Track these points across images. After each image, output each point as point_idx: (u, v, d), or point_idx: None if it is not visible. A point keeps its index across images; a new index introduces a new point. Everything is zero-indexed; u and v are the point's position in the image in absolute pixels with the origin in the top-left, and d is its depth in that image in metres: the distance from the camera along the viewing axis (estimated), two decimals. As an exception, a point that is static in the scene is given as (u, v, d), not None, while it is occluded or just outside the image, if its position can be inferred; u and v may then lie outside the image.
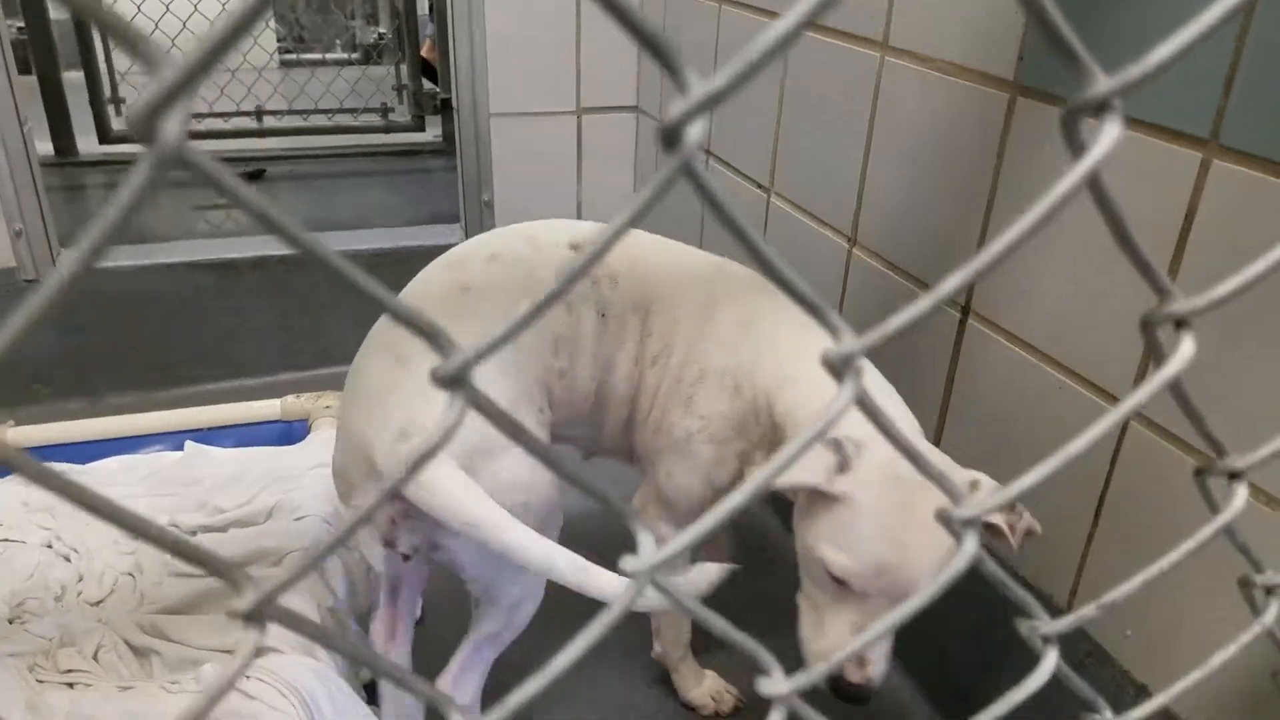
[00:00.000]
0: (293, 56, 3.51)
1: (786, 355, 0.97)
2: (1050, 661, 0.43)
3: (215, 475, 1.29)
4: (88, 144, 2.66)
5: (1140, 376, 0.89)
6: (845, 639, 0.85)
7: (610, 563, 0.71)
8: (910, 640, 1.27)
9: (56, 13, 2.64)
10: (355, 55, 3.64)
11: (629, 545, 0.31)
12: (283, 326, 1.85)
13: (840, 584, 0.85)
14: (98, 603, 1.15)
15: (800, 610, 0.92)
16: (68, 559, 1.20)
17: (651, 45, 0.22)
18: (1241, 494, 0.45)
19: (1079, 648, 0.97)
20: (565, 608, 0.83)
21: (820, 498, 0.85)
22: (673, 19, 1.78)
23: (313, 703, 0.98)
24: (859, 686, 0.86)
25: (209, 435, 1.38)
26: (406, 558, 0.98)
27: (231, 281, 1.83)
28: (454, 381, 0.24)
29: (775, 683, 0.31)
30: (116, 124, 2.69)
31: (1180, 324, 0.34)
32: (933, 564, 0.82)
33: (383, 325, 0.98)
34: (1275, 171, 0.75)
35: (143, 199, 0.22)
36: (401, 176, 2.78)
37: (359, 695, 1.08)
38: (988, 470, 0.87)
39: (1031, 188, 0.99)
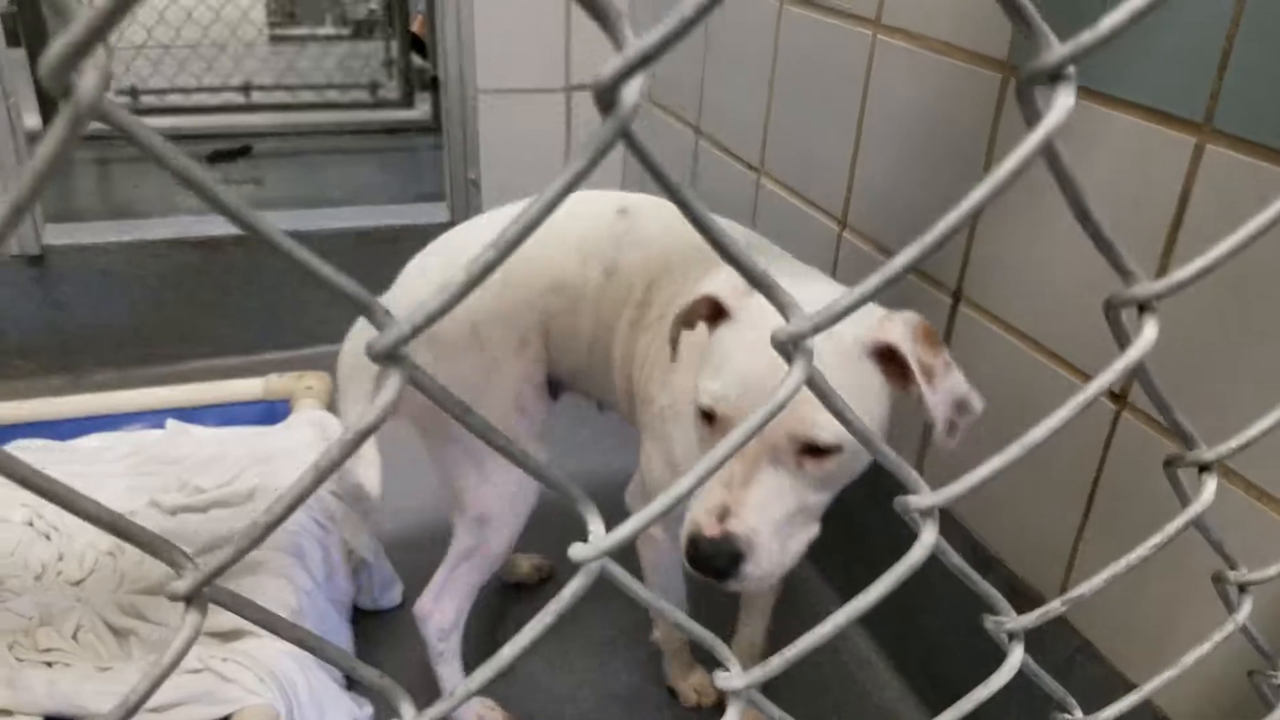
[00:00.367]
0: (283, 31, 3.47)
1: None
2: (1015, 657, 0.43)
3: (196, 455, 1.28)
4: (75, 118, 2.63)
5: (1127, 362, 0.88)
6: (713, 492, 0.74)
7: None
8: (899, 639, 1.27)
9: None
10: (346, 30, 3.60)
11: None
12: (266, 305, 1.83)
13: (709, 423, 0.77)
14: (78, 582, 1.14)
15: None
16: (48, 537, 1.19)
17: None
18: (1210, 486, 0.44)
19: (1068, 644, 0.97)
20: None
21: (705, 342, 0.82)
22: (664, -4, 1.76)
23: (290, 687, 0.98)
24: (714, 542, 0.72)
25: (191, 414, 1.37)
26: None
27: (215, 259, 1.81)
28: (390, 357, 0.23)
29: (732, 677, 0.30)
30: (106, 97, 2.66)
31: (1144, 308, 0.33)
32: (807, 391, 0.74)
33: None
34: (1268, 156, 0.74)
35: (61, 158, 0.21)
36: (390, 154, 2.76)
37: (337, 681, 1.08)
38: (978, 459, 0.86)
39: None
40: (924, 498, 0.34)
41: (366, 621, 1.29)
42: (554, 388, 1.12)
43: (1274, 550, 0.75)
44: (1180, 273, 0.34)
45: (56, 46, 0.18)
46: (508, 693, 1.20)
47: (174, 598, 0.27)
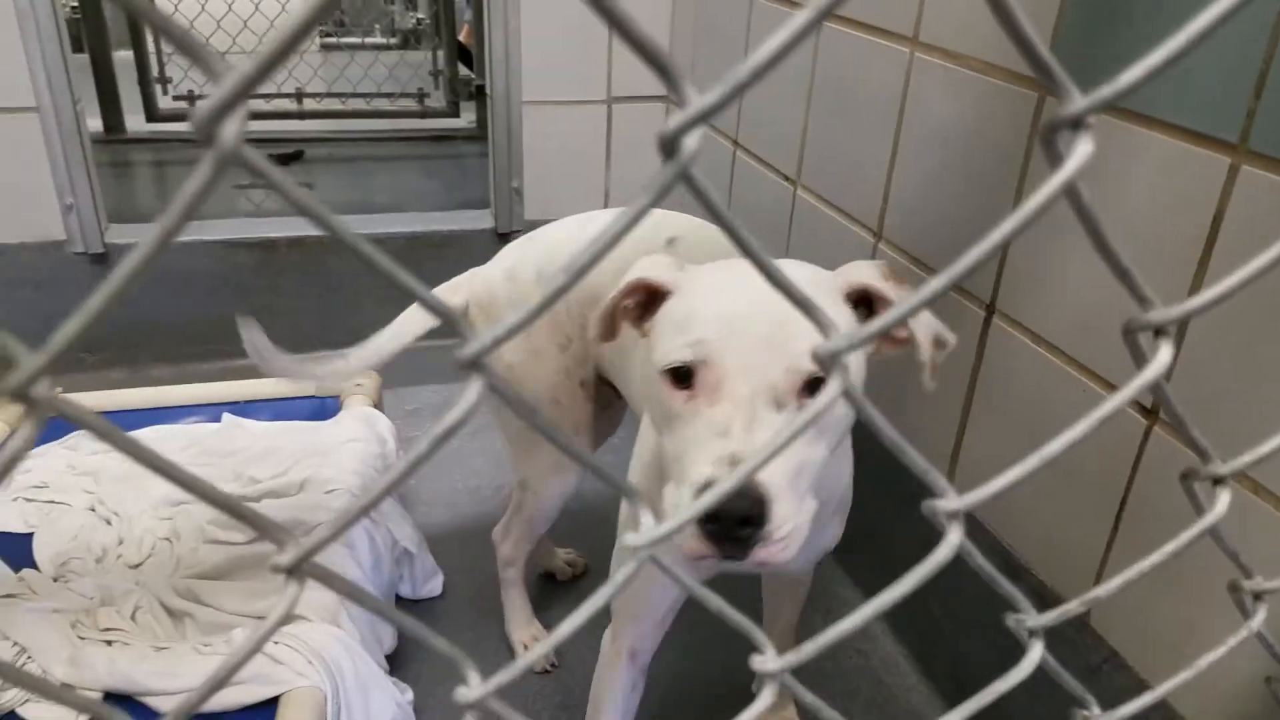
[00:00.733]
0: (333, 40, 3.56)
1: None
2: (1035, 653, 0.45)
3: (251, 447, 1.33)
4: (135, 122, 2.72)
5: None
6: (710, 445, 0.65)
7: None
8: (926, 643, 1.29)
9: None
10: (393, 40, 3.68)
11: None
12: (317, 306, 1.90)
13: (685, 389, 0.70)
14: (136, 565, 1.19)
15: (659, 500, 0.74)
16: (109, 522, 1.25)
17: (655, 61, 0.24)
18: (1224, 499, 0.46)
19: (1096, 653, 0.98)
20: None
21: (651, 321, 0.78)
22: (706, 10, 1.79)
23: (337, 670, 1.02)
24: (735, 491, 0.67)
25: (245, 408, 1.43)
26: None
27: (270, 260, 1.88)
28: (472, 365, 0.27)
29: (767, 660, 0.33)
30: (163, 103, 2.75)
31: (1159, 332, 0.35)
32: (779, 316, 0.66)
33: None
34: (1301, 177, 0.75)
35: (206, 194, 0.24)
36: (435, 161, 2.82)
37: (381, 665, 1.12)
38: (1020, 499, 0.88)
39: (1054, 188, 1.00)
40: (950, 501, 0.37)
41: (408, 610, 1.33)
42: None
43: (1295, 562, 0.77)
44: (1193, 301, 0.36)
45: (207, 104, 0.21)
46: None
47: (277, 570, 0.30)
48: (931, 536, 0.36)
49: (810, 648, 0.36)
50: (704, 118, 0.24)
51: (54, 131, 1.68)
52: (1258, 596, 0.58)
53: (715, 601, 0.36)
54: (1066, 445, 0.40)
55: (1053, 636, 0.44)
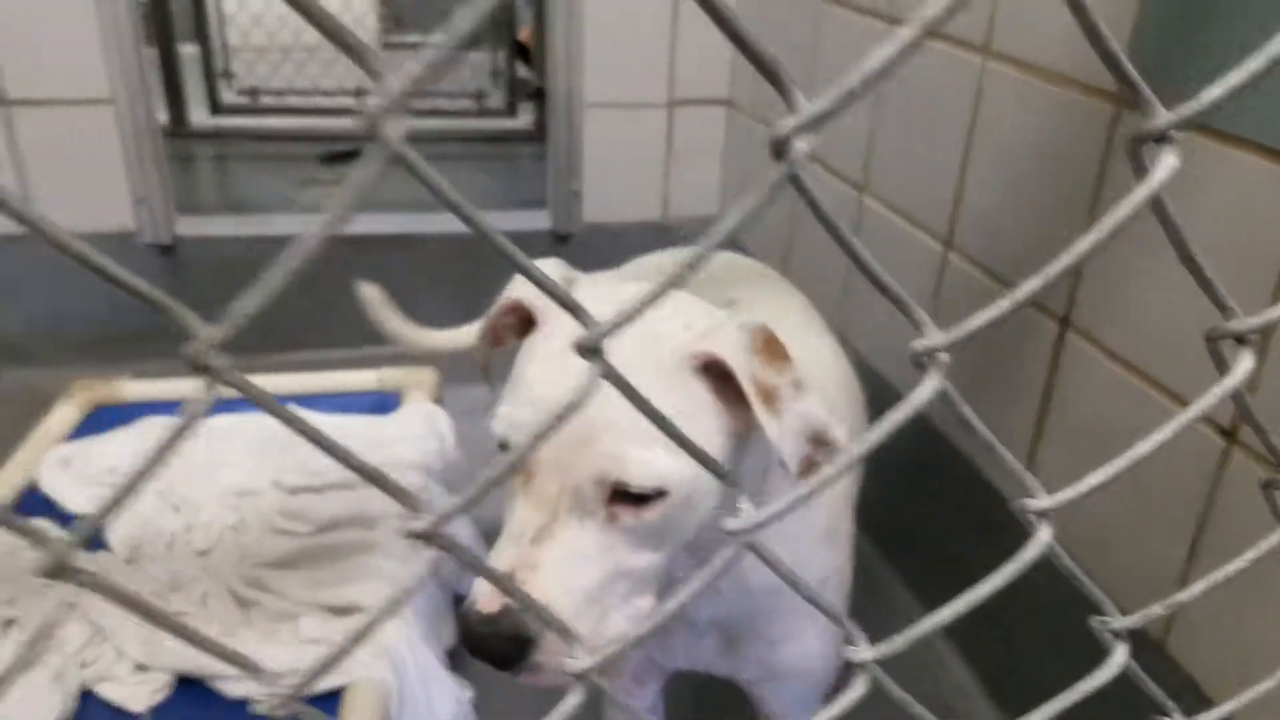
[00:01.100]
0: (393, 39, 3.60)
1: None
2: (1120, 657, 0.45)
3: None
4: (199, 115, 2.78)
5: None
6: (503, 552, 0.58)
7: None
8: (997, 667, 1.27)
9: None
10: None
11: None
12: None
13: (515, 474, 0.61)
14: (203, 553, 1.22)
15: None
16: (177, 509, 1.28)
17: (765, 68, 0.24)
18: (1306, 508, 0.46)
19: (1173, 680, 0.97)
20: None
21: None
22: (774, 16, 1.79)
23: (400, 664, 1.04)
24: (488, 621, 0.55)
25: (309, 401, 1.45)
26: None
27: (333, 256, 1.89)
28: (592, 351, 0.27)
29: (861, 650, 0.33)
30: (227, 96, 2.80)
31: (1241, 340, 0.36)
32: (613, 417, 0.56)
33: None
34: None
35: (369, 187, 0.25)
36: (492, 161, 2.85)
37: (442, 662, 1.14)
38: (1099, 522, 0.87)
39: (1134, 202, 0.98)
40: (1041, 500, 0.37)
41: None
42: None
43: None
44: (1273, 311, 0.36)
45: (374, 103, 0.22)
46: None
47: (412, 535, 0.31)
48: (999, 556, 0.36)
49: (901, 641, 0.36)
50: (816, 123, 0.24)
51: (127, 124, 1.73)
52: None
53: (806, 589, 0.36)
54: (1153, 447, 0.40)
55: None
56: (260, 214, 2.02)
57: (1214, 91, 0.28)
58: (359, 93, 2.87)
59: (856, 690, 0.35)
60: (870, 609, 0.94)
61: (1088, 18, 0.26)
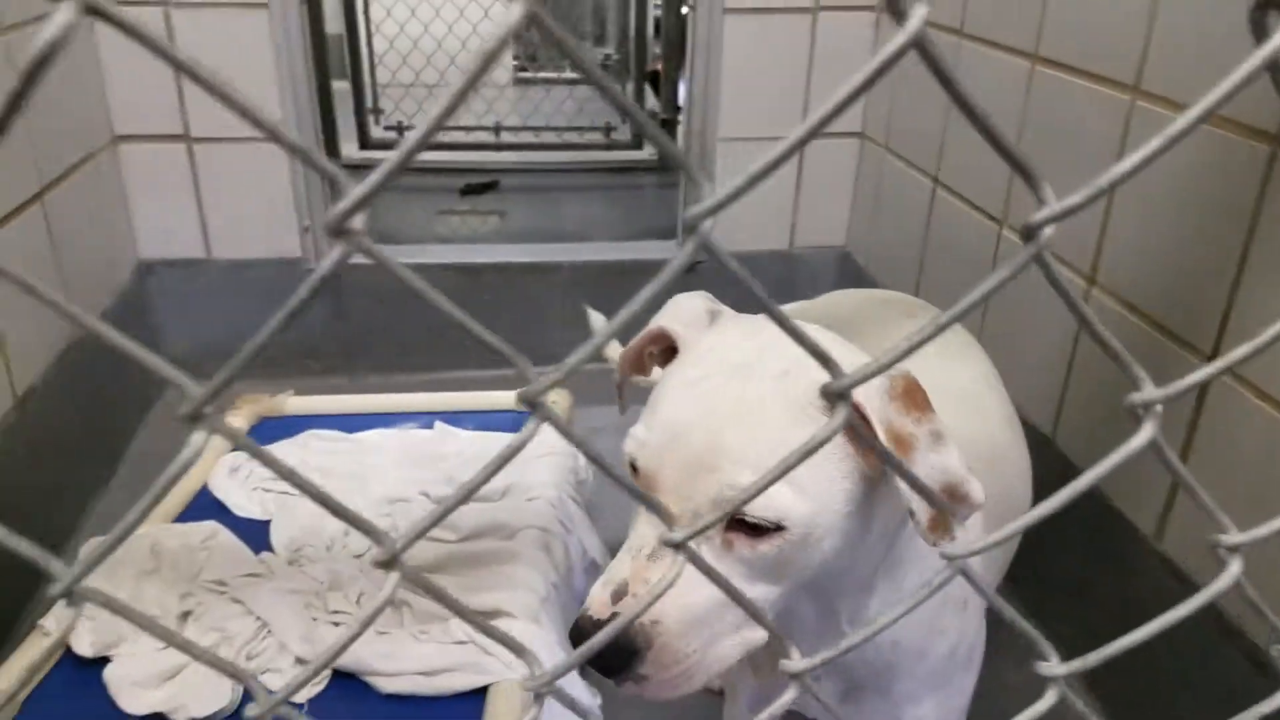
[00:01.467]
0: (527, 75, 3.75)
1: None
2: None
3: (461, 453, 1.44)
4: (349, 149, 2.96)
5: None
6: (620, 563, 0.61)
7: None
8: (1129, 706, 1.24)
9: (331, 26, 2.96)
10: (582, 75, 3.83)
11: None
12: (515, 327, 2.01)
13: (636, 477, 0.64)
14: (359, 555, 1.30)
15: None
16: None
17: (1020, 168, 0.28)
18: None
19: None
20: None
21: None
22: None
23: (539, 668, 1.09)
24: (598, 626, 0.57)
25: (454, 417, 1.54)
26: None
27: (475, 283, 2.01)
28: (839, 397, 0.31)
29: (1054, 666, 0.36)
30: (375, 132, 2.98)
31: None
32: (717, 426, 0.59)
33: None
34: None
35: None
36: (618, 191, 2.93)
37: (574, 669, 1.19)
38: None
39: (1290, 240, 0.97)
40: (1232, 536, 0.39)
41: (594, 622, 1.39)
42: None
43: None
44: None
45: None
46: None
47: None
48: (1122, 584, 0.38)
49: (1095, 657, 0.38)
50: (1065, 215, 0.28)
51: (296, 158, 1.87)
52: None
53: (1008, 611, 0.39)
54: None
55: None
56: (406, 244, 2.14)
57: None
58: (496, 129, 3.01)
59: (1046, 701, 0.37)
60: (990, 636, 0.94)
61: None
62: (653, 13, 3.27)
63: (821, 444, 0.29)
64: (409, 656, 1.09)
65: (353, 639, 0.30)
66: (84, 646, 1.08)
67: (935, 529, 0.56)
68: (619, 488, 0.33)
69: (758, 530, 0.58)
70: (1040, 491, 1.33)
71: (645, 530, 0.61)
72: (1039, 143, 1.39)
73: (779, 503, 0.57)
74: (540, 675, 0.33)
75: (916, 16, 0.24)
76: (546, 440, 1.47)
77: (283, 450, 1.49)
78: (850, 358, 0.65)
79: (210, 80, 0.21)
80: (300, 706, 1.07)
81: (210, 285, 1.94)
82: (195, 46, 1.79)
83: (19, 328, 1.43)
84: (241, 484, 1.42)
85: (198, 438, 0.25)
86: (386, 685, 1.07)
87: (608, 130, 3.08)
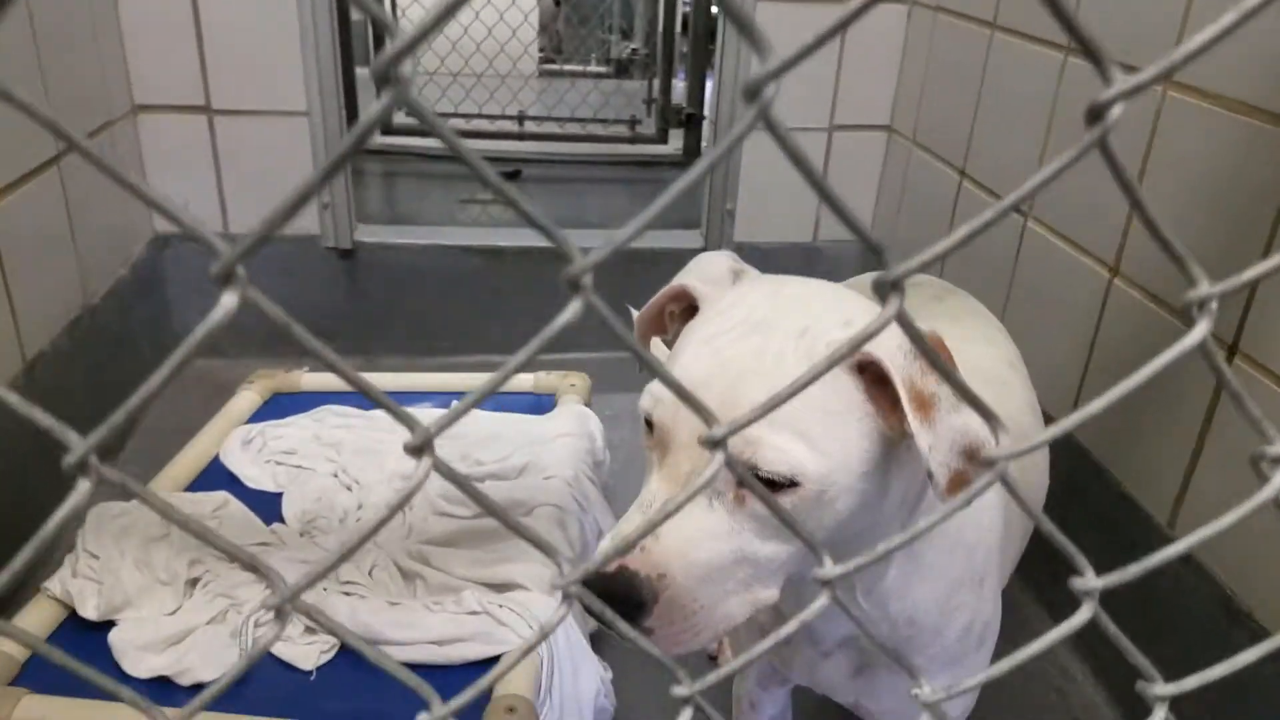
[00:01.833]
0: (553, 66, 3.76)
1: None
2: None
3: (477, 433, 1.43)
4: (372, 135, 2.96)
5: None
6: (631, 518, 0.61)
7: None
8: (1129, 686, 1.22)
9: (355, 13, 2.97)
10: (607, 69, 3.85)
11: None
12: (535, 310, 2.00)
13: (650, 431, 0.64)
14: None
15: None
16: (349, 489, 1.37)
17: (1087, 46, 0.27)
18: None
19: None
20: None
21: None
22: (938, 47, 1.80)
23: (552, 640, 1.08)
24: (605, 579, 0.57)
25: (471, 397, 1.53)
26: None
27: (495, 266, 2.01)
28: (892, 287, 0.30)
29: (1089, 580, 0.35)
30: (398, 118, 2.98)
31: None
32: (732, 378, 0.59)
33: None
34: None
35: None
36: (641, 185, 2.93)
37: (586, 643, 1.18)
38: (1245, 538, 0.84)
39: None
40: (1278, 447, 0.38)
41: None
42: None
43: None
44: None
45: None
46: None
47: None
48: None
49: (1135, 568, 0.37)
50: (1134, 92, 0.27)
51: (320, 136, 1.87)
52: None
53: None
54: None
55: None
56: (426, 225, 2.14)
57: None
58: (520, 118, 3.01)
59: (1081, 615, 0.37)
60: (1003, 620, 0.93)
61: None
62: (681, 8, 3.27)
63: (867, 340, 0.28)
64: (421, 626, 1.08)
65: (381, 524, 0.29)
66: (89, 610, 1.08)
67: (953, 492, 0.56)
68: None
69: (772, 485, 0.58)
70: (1059, 484, 1.32)
71: (657, 487, 0.61)
72: (1067, 128, 1.37)
73: (793, 456, 0.57)
74: (570, 573, 0.32)
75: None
76: (563, 423, 1.47)
77: (297, 424, 1.49)
78: (864, 312, 0.64)
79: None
80: (309, 674, 1.07)
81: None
82: (223, 31, 1.79)
83: (30, 294, 1.43)
84: (254, 456, 1.42)
85: (228, 298, 0.25)
86: (399, 654, 1.06)
87: (632, 123, 3.08)
